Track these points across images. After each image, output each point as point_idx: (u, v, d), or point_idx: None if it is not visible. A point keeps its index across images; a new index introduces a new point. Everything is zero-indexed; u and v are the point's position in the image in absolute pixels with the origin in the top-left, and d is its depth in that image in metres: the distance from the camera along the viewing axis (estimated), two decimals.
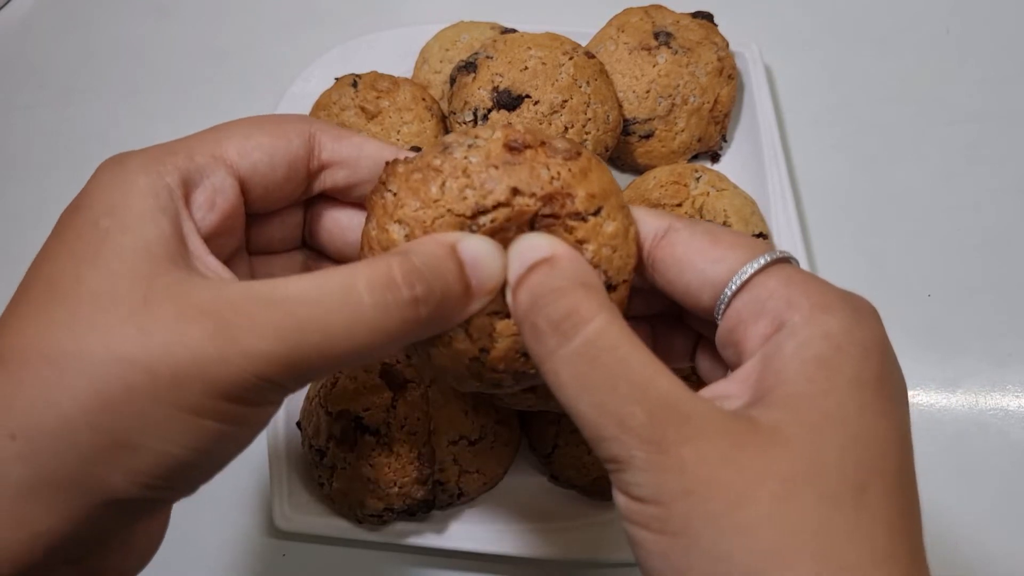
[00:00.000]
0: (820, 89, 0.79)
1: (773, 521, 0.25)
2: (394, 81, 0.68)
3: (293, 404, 0.58)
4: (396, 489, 0.54)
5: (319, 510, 0.58)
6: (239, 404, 0.26)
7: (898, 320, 0.68)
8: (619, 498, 0.28)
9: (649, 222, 0.33)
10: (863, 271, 0.68)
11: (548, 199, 0.32)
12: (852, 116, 0.78)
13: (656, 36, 0.68)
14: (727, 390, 0.29)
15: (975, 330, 0.66)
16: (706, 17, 0.72)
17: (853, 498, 0.25)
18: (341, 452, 0.55)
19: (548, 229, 0.33)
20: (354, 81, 0.69)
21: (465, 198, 0.32)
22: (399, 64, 0.74)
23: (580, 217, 0.33)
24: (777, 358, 0.28)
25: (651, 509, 0.26)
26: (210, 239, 0.31)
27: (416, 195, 0.32)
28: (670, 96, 0.67)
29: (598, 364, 0.27)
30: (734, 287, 0.30)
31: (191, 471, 0.27)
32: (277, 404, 0.29)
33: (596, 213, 0.33)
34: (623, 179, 0.70)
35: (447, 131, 0.68)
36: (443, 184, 0.32)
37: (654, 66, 0.67)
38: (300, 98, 0.73)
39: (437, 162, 0.32)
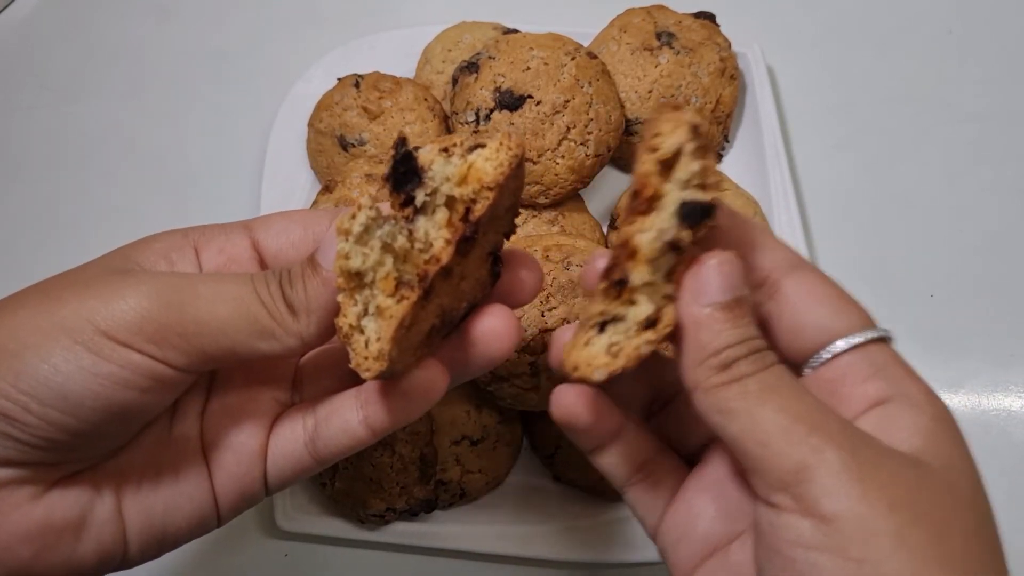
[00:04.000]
0: (822, 89, 0.79)
1: (968, 561, 0.27)
2: (396, 81, 0.68)
3: None
4: (398, 489, 0.54)
5: (321, 510, 0.58)
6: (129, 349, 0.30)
7: (900, 320, 0.67)
8: (799, 525, 0.28)
9: (782, 253, 0.33)
10: (865, 271, 0.68)
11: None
12: (854, 116, 0.78)
13: (658, 36, 0.68)
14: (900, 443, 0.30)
15: (978, 330, 0.66)
16: (708, 17, 0.72)
17: (1001, 558, 0.29)
18: None
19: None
20: (356, 81, 0.69)
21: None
22: (401, 65, 0.74)
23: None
24: (908, 424, 0.30)
25: (842, 529, 0.27)
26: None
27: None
28: (672, 96, 0.67)
29: (786, 378, 0.30)
30: (853, 342, 0.31)
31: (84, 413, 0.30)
32: (167, 383, 0.31)
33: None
34: (626, 180, 0.70)
35: (449, 131, 0.68)
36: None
37: (656, 66, 0.67)
38: (302, 99, 0.73)
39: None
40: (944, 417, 0.30)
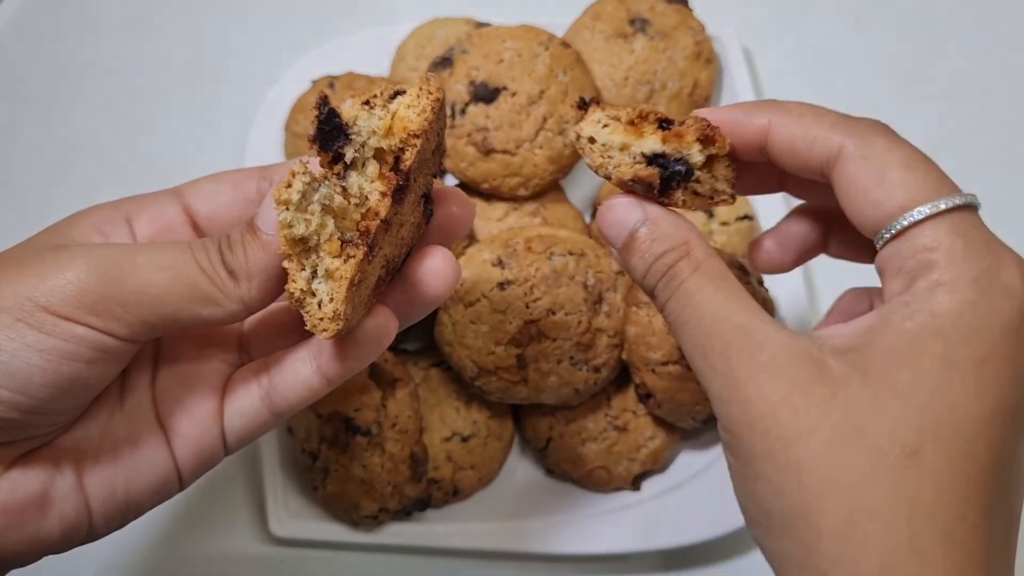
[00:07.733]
0: (801, 68, 0.79)
1: (819, 464, 0.28)
2: (370, 81, 0.68)
3: None
4: (390, 489, 0.54)
5: (315, 515, 0.57)
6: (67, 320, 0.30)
7: None
8: (719, 425, 0.32)
9: (831, 119, 0.34)
10: None
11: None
12: (835, 94, 0.77)
13: (632, 23, 0.68)
14: (841, 332, 0.31)
15: None
16: (681, 2, 0.71)
17: (901, 457, 0.27)
18: (333, 454, 0.54)
19: None
20: (331, 83, 0.68)
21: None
22: (376, 64, 0.73)
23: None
24: (889, 320, 0.30)
25: (729, 437, 0.31)
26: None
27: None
28: (648, 82, 0.66)
29: (691, 303, 0.32)
30: (885, 236, 0.31)
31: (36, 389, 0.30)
32: (108, 351, 0.31)
33: None
34: None
35: None
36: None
37: (631, 53, 0.67)
38: (278, 103, 0.73)
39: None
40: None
